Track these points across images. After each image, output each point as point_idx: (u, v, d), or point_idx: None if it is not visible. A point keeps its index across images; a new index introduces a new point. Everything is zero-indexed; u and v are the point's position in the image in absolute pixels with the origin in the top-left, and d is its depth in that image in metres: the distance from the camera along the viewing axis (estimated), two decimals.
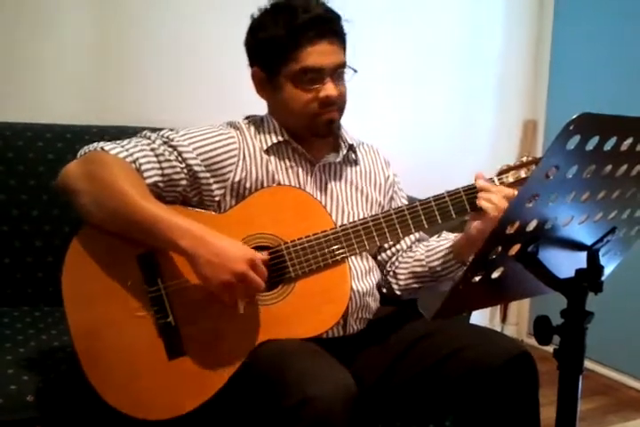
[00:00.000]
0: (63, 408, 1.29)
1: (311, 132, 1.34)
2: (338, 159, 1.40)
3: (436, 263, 1.38)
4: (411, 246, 1.47)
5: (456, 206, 1.27)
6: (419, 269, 1.41)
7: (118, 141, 1.25)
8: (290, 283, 1.24)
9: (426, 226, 1.27)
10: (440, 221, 1.27)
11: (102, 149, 1.22)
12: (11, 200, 1.68)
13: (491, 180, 1.29)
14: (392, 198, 1.50)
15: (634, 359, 2.42)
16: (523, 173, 1.29)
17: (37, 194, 1.71)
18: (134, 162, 1.21)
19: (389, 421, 1.43)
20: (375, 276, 1.41)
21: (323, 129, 1.34)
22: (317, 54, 1.27)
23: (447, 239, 1.40)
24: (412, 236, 1.45)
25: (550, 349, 0.98)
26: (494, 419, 1.24)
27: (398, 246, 1.46)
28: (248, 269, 1.13)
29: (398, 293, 1.45)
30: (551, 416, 1.01)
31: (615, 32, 2.44)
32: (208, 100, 2.07)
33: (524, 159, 1.30)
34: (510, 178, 1.28)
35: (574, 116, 0.76)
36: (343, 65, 1.31)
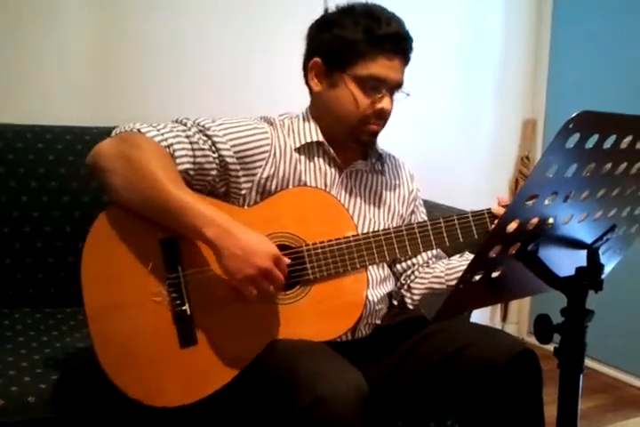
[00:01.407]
0: (65, 410, 1.29)
1: (352, 137, 1.35)
2: (366, 167, 1.42)
3: (455, 282, 1.38)
4: (427, 262, 1.47)
5: (479, 227, 1.28)
6: (437, 286, 1.42)
7: (154, 124, 1.24)
8: (307, 285, 1.25)
9: (447, 243, 1.28)
10: (462, 239, 1.27)
11: (139, 130, 1.21)
12: (11, 202, 1.68)
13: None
14: (413, 212, 1.51)
15: (634, 358, 2.42)
16: None
17: (38, 195, 1.71)
18: (168, 147, 1.21)
19: (392, 420, 1.43)
20: (389, 285, 1.43)
21: (365, 137, 1.36)
22: (387, 67, 1.30)
23: (469, 260, 1.40)
24: (429, 252, 1.46)
25: (551, 347, 0.98)
26: (498, 417, 1.24)
27: (414, 260, 1.47)
28: (272, 264, 1.13)
29: (411, 307, 1.46)
30: (552, 415, 1.01)
31: (614, 31, 2.44)
32: (209, 100, 2.07)
33: None
34: None
35: (574, 114, 0.76)
36: (402, 84, 1.35)
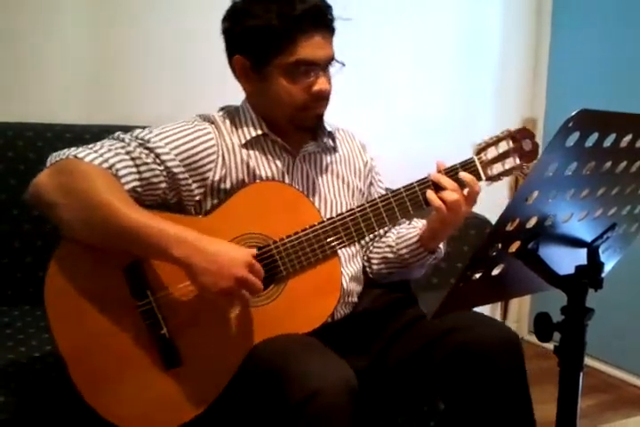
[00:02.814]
0: (66, 407, 1.29)
1: (296, 125, 1.31)
2: (317, 148, 1.39)
3: (404, 251, 1.38)
4: (387, 231, 1.46)
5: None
6: (389, 256, 1.42)
7: (90, 146, 1.19)
8: (281, 282, 1.23)
9: (411, 212, 1.26)
10: (425, 206, 1.25)
11: (75, 156, 1.16)
12: (11, 200, 1.68)
13: (470, 159, 1.28)
14: (371, 184, 1.49)
15: (634, 356, 2.41)
16: (501, 150, 1.27)
17: None
18: (110, 168, 1.16)
19: (392, 416, 1.43)
20: (360, 259, 1.42)
21: (310, 122, 1.32)
22: (312, 47, 1.23)
23: (415, 227, 1.40)
24: None
25: (551, 346, 0.98)
26: (484, 401, 1.24)
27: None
28: (247, 272, 1.11)
29: (371, 276, 1.46)
30: (552, 414, 1.01)
31: (613, 31, 2.44)
32: (208, 99, 2.05)
33: (500, 134, 1.28)
34: (489, 155, 1.27)
35: (573, 113, 0.76)
36: (333, 58, 1.28)
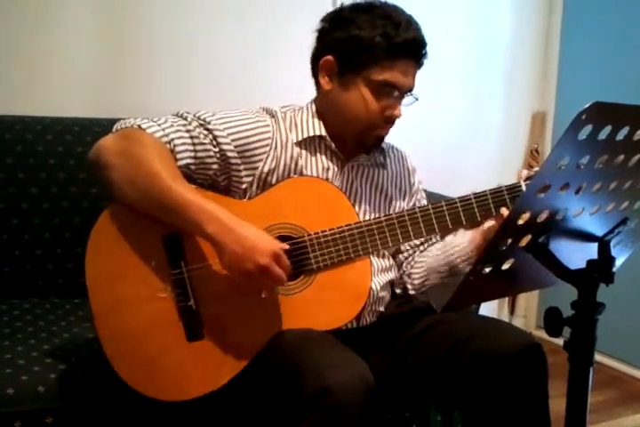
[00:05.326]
0: (74, 399, 1.29)
1: (358, 140, 1.35)
2: (368, 162, 1.41)
3: (454, 256, 1.37)
4: (424, 244, 1.47)
5: (482, 209, 1.26)
6: (435, 265, 1.40)
7: (155, 119, 1.24)
8: (311, 274, 1.25)
9: (450, 226, 1.26)
10: (464, 222, 1.26)
11: (139, 126, 1.21)
12: (20, 193, 1.69)
13: (517, 184, 1.27)
14: (413, 206, 1.50)
15: None
16: None
17: (47, 187, 1.71)
18: (169, 142, 1.21)
19: (399, 411, 1.43)
20: (392, 273, 1.43)
21: (371, 141, 1.36)
22: (403, 73, 1.29)
23: (464, 234, 1.39)
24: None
25: (560, 341, 0.98)
26: (502, 409, 1.24)
27: (411, 244, 1.46)
28: (271, 262, 1.13)
29: (412, 292, 1.46)
30: (561, 409, 1.01)
31: (624, 23, 2.42)
32: (216, 90, 2.07)
33: None
34: None
35: (586, 106, 0.75)
36: (412, 89, 1.33)
